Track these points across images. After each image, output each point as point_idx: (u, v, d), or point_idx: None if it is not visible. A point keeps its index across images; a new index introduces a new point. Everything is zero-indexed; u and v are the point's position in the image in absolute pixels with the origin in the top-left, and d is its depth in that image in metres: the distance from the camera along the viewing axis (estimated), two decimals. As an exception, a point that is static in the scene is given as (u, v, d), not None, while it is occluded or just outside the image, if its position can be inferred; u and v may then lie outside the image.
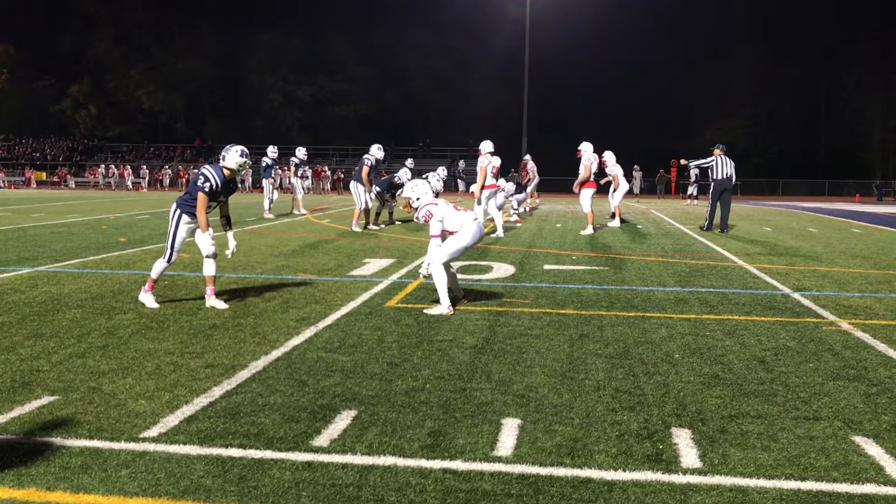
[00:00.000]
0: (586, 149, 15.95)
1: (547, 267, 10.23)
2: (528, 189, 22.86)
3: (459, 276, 8.24)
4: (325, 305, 7.23)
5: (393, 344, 5.78)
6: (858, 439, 3.93)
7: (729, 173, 16.05)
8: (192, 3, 66.26)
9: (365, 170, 15.96)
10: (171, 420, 4.06)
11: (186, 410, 4.22)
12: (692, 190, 34.32)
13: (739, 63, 60.46)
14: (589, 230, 15.22)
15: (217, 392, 4.55)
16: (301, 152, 20.85)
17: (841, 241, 14.66)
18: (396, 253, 11.53)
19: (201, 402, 4.37)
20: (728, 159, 16.10)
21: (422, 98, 66.46)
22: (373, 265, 10.13)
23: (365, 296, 7.79)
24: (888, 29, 54.95)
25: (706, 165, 16.35)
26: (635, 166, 39.17)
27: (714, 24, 63.97)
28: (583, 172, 15.62)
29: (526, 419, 4.16)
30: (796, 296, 8.13)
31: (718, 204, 16.19)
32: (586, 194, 15.56)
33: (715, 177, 16.06)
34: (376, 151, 16.56)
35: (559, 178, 39.27)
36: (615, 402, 4.46)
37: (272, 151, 20.47)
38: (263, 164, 20.45)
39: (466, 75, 65.40)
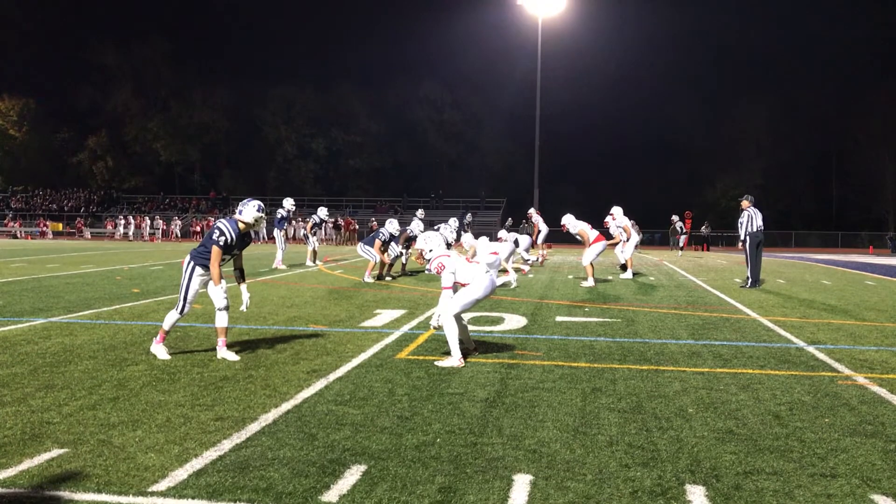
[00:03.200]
0: (569, 221, 16.07)
1: (559, 319, 10.20)
2: (538, 241, 23.05)
3: (471, 327, 8.23)
4: (336, 357, 7.22)
5: (403, 397, 5.75)
6: (877, 497, 3.85)
7: (760, 225, 15.43)
8: (209, 56, 67.87)
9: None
10: (180, 474, 4.04)
11: (196, 464, 4.19)
12: (681, 241, 34.46)
13: (751, 115, 61.01)
14: (590, 282, 15.16)
15: (227, 445, 4.53)
16: (323, 212, 21.22)
17: (855, 293, 14.55)
18: (408, 304, 11.54)
19: (210, 455, 4.34)
20: (757, 210, 15.51)
21: (433, 151, 67.33)
22: (384, 316, 10.13)
23: (376, 347, 7.78)
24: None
25: (743, 222, 15.51)
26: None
27: (725, 76, 64.75)
28: (583, 238, 15.76)
29: (538, 475, 4.10)
30: (811, 349, 8.05)
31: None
32: (595, 248, 15.60)
33: (750, 230, 15.38)
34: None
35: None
36: (628, 458, 4.40)
37: (290, 204, 20.73)
38: (278, 216, 20.62)
39: (477, 129, 66.35)
